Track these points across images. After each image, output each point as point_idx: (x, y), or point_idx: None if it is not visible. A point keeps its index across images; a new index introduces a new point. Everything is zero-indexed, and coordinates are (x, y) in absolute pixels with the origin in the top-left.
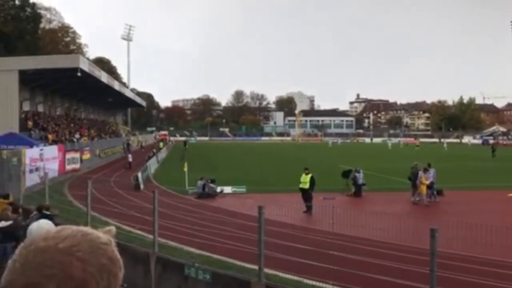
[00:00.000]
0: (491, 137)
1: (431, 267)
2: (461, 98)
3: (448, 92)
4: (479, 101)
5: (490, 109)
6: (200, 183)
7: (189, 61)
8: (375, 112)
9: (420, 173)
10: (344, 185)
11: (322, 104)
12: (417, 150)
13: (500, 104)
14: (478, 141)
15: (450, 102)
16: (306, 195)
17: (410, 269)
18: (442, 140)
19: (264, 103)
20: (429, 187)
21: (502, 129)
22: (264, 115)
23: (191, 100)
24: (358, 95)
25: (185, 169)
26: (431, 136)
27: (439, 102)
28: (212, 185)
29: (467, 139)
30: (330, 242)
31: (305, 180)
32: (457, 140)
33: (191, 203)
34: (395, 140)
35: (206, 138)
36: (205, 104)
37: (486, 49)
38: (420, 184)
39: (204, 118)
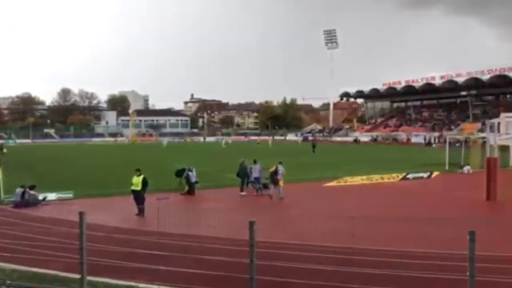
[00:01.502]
0: (310, 134)
1: (251, 258)
2: (285, 99)
3: (274, 93)
4: (299, 102)
5: (309, 109)
6: (18, 190)
7: (6, 56)
8: (209, 112)
9: (281, 167)
10: (177, 184)
11: (157, 103)
12: (259, 147)
13: (316, 104)
14: (299, 138)
15: (275, 103)
16: (139, 197)
17: (236, 261)
18: (267, 137)
19: (95, 102)
20: (256, 182)
21: (319, 126)
22: (94, 114)
23: (9, 98)
24: (192, 95)
25: (0, 175)
26: (259, 134)
27: (266, 102)
28: (32, 192)
29: (295, 137)
30: (161, 243)
31: (136, 182)
32: (282, 138)
33: (7, 213)
34: (226, 138)
35: (28, 141)
36: (26, 103)
37: (305, 55)
38: (282, 178)
39: (25, 118)
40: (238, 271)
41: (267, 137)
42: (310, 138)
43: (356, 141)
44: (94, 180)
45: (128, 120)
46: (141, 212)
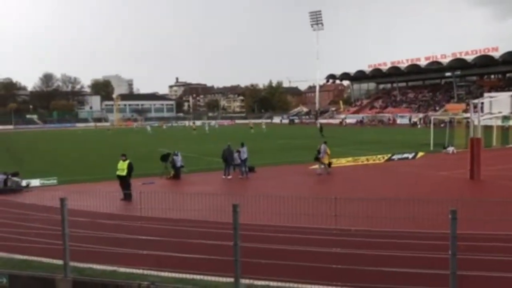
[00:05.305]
0: (296, 117)
1: (235, 241)
2: (270, 82)
3: (259, 76)
4: (285, 84)
5: (295, 91)
6: (1, 177)
7: None
8: (194, 95)
9: (324, 146)
10: (163, 169)
11: (142, 87)
12: (252, 132)
13: (302, 87)
14: (285, 120)
15: (261, 86)
16: (124, 182)
17: (222, 244)
18: (261, 121)
19: (78, 86)
20: (242, 164)
21: (305, 109)
22: (78, 99)
23: None
24: (177, 78)
25: None
26: (245, 118)
27: (252, 85)
28: (15, 178)
29: (277, 119)
30: (146, 227)
31: (122, 167)
32: (269, 121)
33: None
34: (213, 122)
35: (11, 127)
36: (7, 89)
37: (290, 38)
38: (325, 155)
39: (6, 104)
40: (226, 253)
41: (258, 121)
42: (296, 120)
43: (342, 123)
44: (78, 166)
45: (112, 105)
46: (127, 197)
